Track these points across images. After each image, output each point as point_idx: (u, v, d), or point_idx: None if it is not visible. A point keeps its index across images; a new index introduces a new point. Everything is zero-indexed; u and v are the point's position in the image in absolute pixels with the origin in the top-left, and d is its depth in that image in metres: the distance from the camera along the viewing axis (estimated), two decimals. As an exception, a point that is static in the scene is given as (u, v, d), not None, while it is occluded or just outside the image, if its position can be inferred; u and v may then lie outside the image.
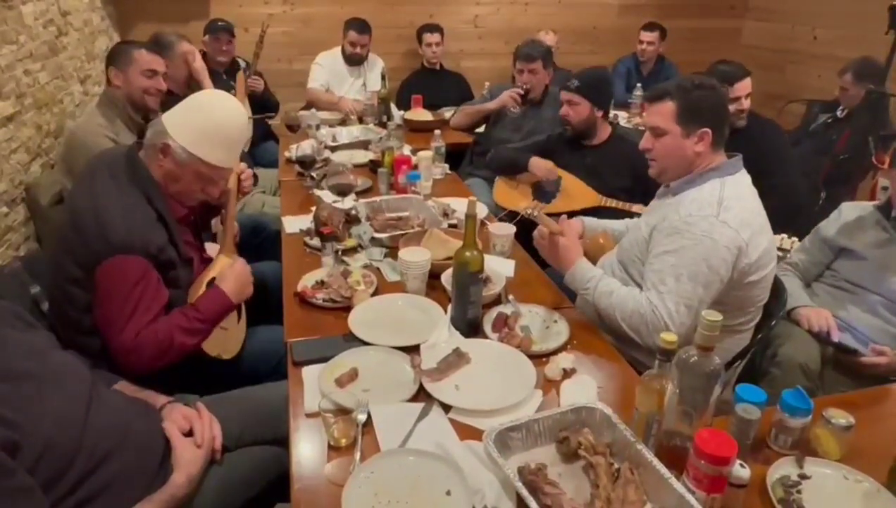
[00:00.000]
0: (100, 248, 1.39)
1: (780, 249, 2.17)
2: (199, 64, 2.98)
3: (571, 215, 2.40)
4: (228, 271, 1.65)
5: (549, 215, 2.57)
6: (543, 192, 2.74)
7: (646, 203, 2.26)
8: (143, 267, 1.42)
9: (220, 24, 3.56)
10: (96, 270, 1.40)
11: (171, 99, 2.48)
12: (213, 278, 1.67)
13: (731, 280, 1.47)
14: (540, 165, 2.72)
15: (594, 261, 1.82)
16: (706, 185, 1.53)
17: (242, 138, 1.58)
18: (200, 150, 1.49)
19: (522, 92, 3.15)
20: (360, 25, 3.82)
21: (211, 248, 2.33)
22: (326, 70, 3.85)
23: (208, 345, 1.55)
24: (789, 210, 2.30)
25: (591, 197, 2.61)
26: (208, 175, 1.54)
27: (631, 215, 2.45)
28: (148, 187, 1.50)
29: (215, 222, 2.28)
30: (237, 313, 1.69)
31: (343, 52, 3.86)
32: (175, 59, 2.76)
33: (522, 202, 2.76)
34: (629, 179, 2.61)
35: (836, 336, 1.75)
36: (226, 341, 1.62)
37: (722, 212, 1.45)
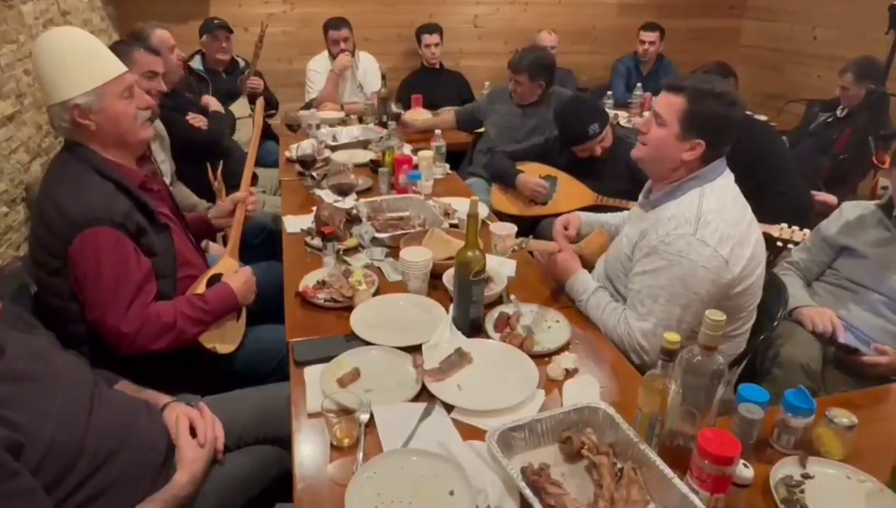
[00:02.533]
0: (65, 230, 1.39)
1: (779, 239, 2.13)
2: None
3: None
4: (238, 275, 1.67)
5: (547, 215, 2.61)
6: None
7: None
8: (112, 237, 1.41)
9: (215, 21, 3.56)
10: (68, 252, 1.39)
11: (165, 98, 2.46)
12: (216, 275, 1.67)
13: (714, 296, 1.44)
14: (527, 184, 2.73)
15: (595, 260, 1.83)
16: (685, 197, 1.48)
17: (98, 42, 1.53)
18: (93, 79, 1.45)
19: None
20: (336, 23, 3.83)
21: (214, 248, 2.34)
22: (322, 74, 3.85)
23: (204, 337, 1.56)
24: (796, 220, 2.25)
25: (587, 196, 2.62)
26: (122, 90, 1.49)
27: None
28: (94, 162, 1.48)
29: (207, 243, 2.29)
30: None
31: (330, 54, 3.86)
32: (164, 52, 2.71)
33: (518, 207, 2.77)
34: (627, 182, 2.61)
35: (843, 337, 1.74)
36: (222, 335, 1.62)
37: (700, 229, 1.41)
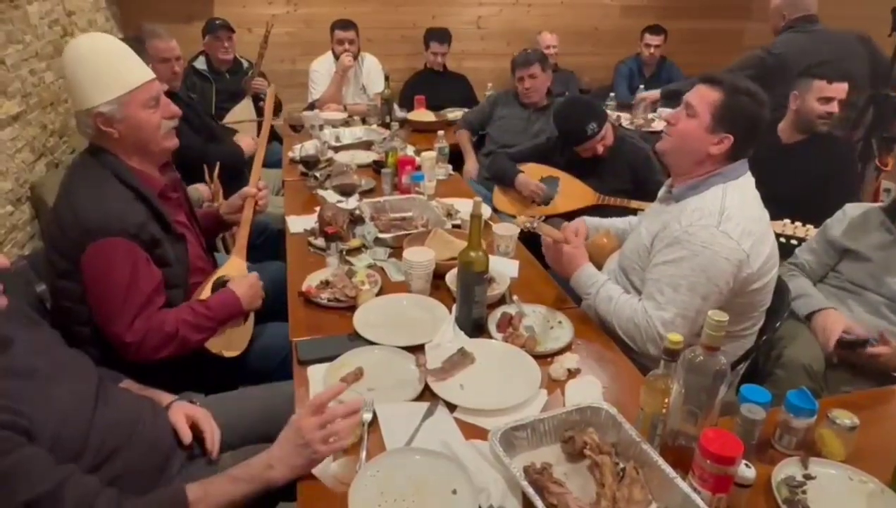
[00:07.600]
0: (79, 237, 1.38)
1: (782, 235, 2.11)
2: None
3: (571, 214, 2.41)
4: (243, 279, 1.66)
5: (549, 216, 2.61)
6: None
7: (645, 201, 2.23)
8: (125, 249, 1.40)
9: (217, 22, 3.58)
10: (81, 259, 1.38)
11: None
12: (222, 277, 1.67)
13: (732, 290, 1.45)
14: (526, 185, 2.74)
15: (599, 262, 1.83)
16: (708, 192, 1.50)
17: (126, 49, 1.50)
18: (117, 87, 1.43)
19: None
20: (343, 23, 3.85)
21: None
22: (325, 75, 3.86)
23: (210, 342, 1.56)
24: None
25: (589, 196, 2.62)
26: (147, 99, 1.48)
27: (633, 211, 2.46)
28: (116, 168, 1.47)
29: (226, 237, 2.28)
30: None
31: (334, 54, 3.87)
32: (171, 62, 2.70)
33: (519, 208, 2.78)
34: (629, 182, 2.62)
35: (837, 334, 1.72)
36: (229, 339, 1.62)
37: (723, 222, 1.43)
